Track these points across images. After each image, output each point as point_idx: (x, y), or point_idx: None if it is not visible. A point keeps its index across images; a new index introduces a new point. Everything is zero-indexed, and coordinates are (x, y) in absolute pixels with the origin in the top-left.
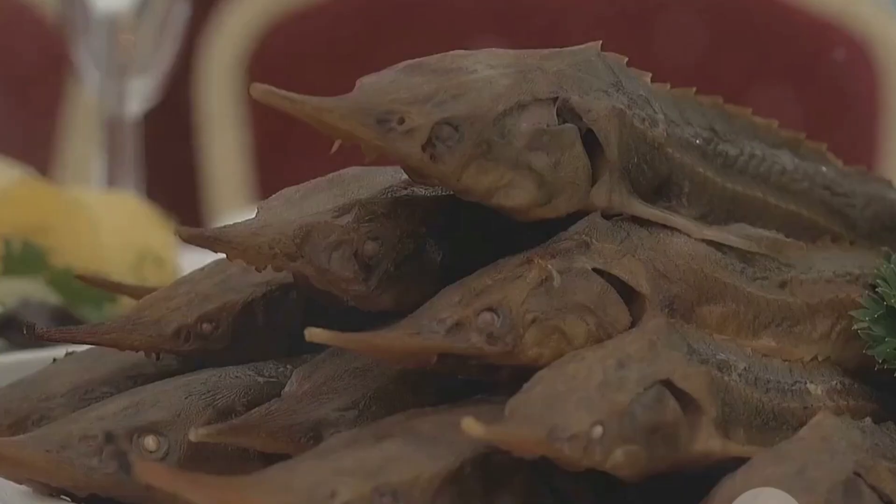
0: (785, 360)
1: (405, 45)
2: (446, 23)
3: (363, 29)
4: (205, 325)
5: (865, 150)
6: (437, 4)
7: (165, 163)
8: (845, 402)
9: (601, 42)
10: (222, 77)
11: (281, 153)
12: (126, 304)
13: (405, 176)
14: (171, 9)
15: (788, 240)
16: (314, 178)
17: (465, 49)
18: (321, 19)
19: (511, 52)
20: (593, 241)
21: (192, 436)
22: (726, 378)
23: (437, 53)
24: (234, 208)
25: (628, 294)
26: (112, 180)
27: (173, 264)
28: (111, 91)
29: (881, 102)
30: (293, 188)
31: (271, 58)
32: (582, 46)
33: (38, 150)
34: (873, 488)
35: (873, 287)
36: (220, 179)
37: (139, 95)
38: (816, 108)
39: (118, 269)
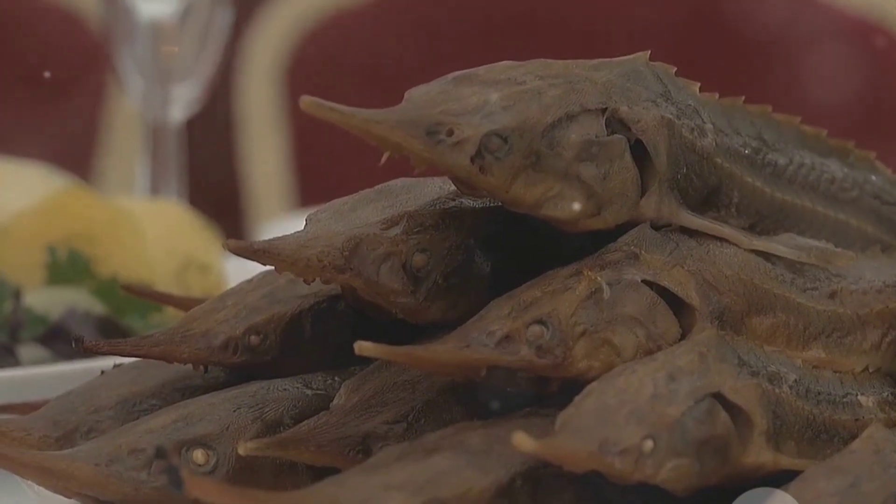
0: (835, 372)
1: (443, 50)
2: (484, 29)
3: (401, 34)
4: (253, 338)
5: None
6: (474, 10)
7: (208, 170)
8: None
9: (649, 52)
10: (264, 83)
11: (323, 159)
12: (172, 313)
13: (453, 187)
14: (213, 15)
15: (838, 249)
16: (356, 184)
17: (505, 56)
18: (360, 24)
19: (559, 62)
20: (642, 252)
21: (241, 449)
22: (777, 390)
23: (475, 58)
24: (276, 215)
25: (678, 305)
26: (155, 188)
27: (218, 272)
28: (154, 98)
29: None
30: (341, 200)
31: (311, 64)
32: (630, 56)
33: (81, 159)
34: None
35: None
36: (263, 186)
37: (182, 102)
38: (852, 110)
39: (163, 276)
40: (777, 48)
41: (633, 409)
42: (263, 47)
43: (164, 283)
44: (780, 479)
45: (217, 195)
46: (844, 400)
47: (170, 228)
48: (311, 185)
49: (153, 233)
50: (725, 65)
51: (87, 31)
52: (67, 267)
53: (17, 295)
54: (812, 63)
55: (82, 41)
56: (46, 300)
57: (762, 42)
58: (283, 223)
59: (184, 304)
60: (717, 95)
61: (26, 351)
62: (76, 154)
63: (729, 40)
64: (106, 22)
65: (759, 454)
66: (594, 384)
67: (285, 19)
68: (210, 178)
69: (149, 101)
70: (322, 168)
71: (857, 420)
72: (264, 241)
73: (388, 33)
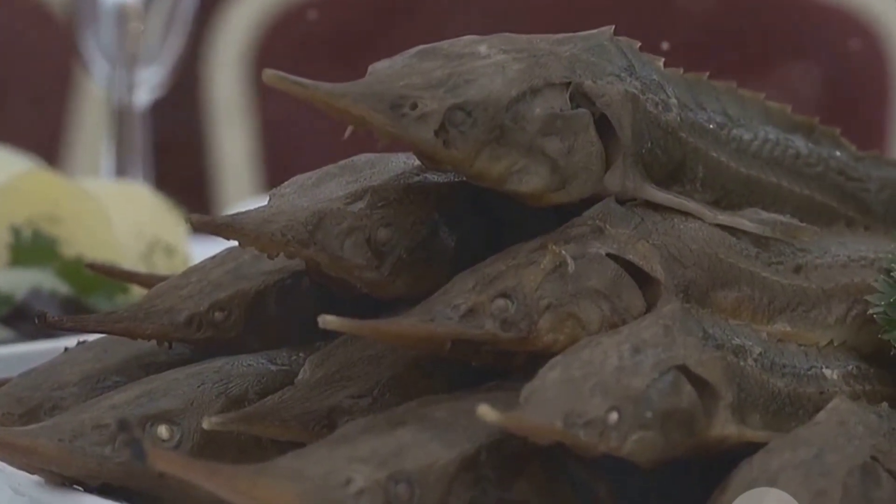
0: (800, 345)
1: (414, 33)
2: (455, 10)
3: (372, 18)
4: (217, 314)
5: (875, 139)
6: None
7: (175, 152)
8: (861, 387)
9: (614, 26)
10: (231, 66)
11: (290, 142)
12: (137, 293)
13: (418, 162)
14: None
15: (803, 224)
16: (324, 166)
17: (476, 35)
18: (329, 8)
19: (523, 36)
20: (607, 226)
21: (205, 424)
22: (742, 363)
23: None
24: (243, 197)
25: (642, 279)
26: (121, 170)
27: (184, 254)
28: (120, 81)
29: (892, 92)
30: (305, 175)
31: (280, 47)
32: (595, 31)
33: (47, 141)
34: (890, 472)
35: (888, 271)
36: (229, 168)
37: (148, 85)
38: (826, 97)
39: (129, 259)
40: (746, 30)
41: (598, 381)
42: (233, 30)
43: (131, 264)
44: (746, 451)
45: (184, 178)
46: (809, 373)
47: (136, 211)
48: (279, 168)
49: (119, 215)
50: (689, 44)
51: (52, 15)
52: (31, 247)
53: None
54: (780, 47)
55: (48, 25)
56: (10, 280)
57: (732, 23)
58: (250, 205)
59: (148, 281)
60: (681, 70)
61: None
62: (43, 138)
63: (693, 18)
64: (71, 5)
65: (724, 427)
66: (559, 357)
67: (256, 2)
68: (177, 161)
69: (114, 84)
70: (290, 152)
71: (821, 393)
72: (227, 216)
73: (359, 17)
